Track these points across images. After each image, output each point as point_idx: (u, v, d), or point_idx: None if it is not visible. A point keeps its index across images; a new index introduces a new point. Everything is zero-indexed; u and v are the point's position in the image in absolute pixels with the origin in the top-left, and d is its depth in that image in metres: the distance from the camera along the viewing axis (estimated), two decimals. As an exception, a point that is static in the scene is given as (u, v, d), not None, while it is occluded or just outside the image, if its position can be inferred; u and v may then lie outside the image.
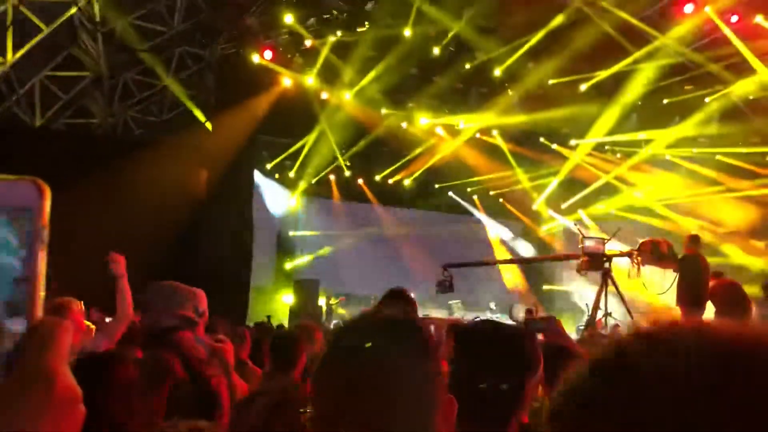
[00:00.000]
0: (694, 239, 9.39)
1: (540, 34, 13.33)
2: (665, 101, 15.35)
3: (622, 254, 10.61)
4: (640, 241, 10.35)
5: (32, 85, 12.07)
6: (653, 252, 9.77)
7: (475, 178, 19.24)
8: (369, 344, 1.18)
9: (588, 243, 10.84)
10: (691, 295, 8.92)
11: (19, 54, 10.94)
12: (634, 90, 14.75)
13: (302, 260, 19.08)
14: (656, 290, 10.22)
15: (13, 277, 0.58)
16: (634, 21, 12.70)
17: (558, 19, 12.85)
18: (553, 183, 19.11)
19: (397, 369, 1.16)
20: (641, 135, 16.67)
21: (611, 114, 15.62)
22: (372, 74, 14.58)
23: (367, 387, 1.15)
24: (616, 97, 15.11)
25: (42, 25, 10.84)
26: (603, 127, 16.20)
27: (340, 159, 17.99)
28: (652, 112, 15.74)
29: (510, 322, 13.03)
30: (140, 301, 3.49)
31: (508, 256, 20.67)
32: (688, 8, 12.36)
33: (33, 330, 0.56)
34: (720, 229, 16.06)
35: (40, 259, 0.58)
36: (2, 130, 11.85)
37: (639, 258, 10.03)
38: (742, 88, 14.07)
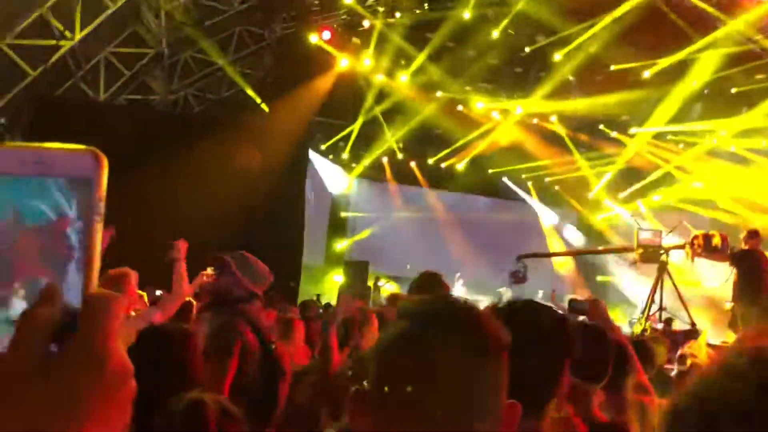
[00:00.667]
0: (754, 234, 9.08)
1: (606, 20, 12.98)
2: (733, 90, 14.80)
3: (675, 247, 10.36)
4: (694, 233, 10.11)
5: (97, 61, 12.38)
6: (706, 245, 9.52)
7: (530, 164, 18.96)
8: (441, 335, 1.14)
9: (644, 235, 10.64)
10: (748, 291, 8.67)
11: (86, 31, 11.22)
12: (699, 78, 14.26)
13: (353, 241, 19.19)
14: (710, 284, 9.97)
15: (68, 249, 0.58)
16: (702, 5, 12.24)
17: (623, 5, 12.48)
18: (611, 172, 18.68)
19: (465, 365, 1.13)
20: (705, 125, 16.12)
21: (674, 102, 15.14)
22: (428, 56, 14.46)
23: (432, 378, 1.12)
24: (681, 85, 14.64)
25: (108, 2, 11.08)
26: (665, 116, 15.73)
27: (392, 142, 17.96)
28: (718, 101, 15.19)
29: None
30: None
31: (562, 245, 20.39)
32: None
33: (86, 304, 0.56)
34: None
35: (96, 231, 0.58)
36: (68, 103, 12.22)
37: (690, 251, 9.79)
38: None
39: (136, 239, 7.54)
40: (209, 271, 3.71)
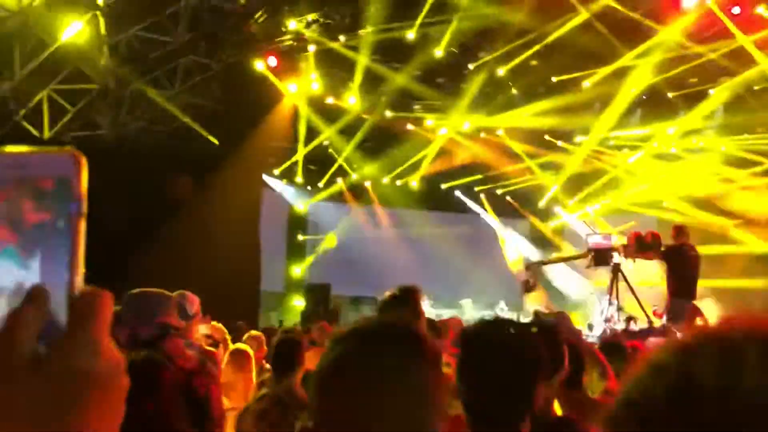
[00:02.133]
0: (680, 230, 9.37)
1: (549, 38, 13.32)
2: (669, 95, 15.34)
3: (610, 249, 10.60)
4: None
5: (40, 99, 12.20)
6: (637, 244, 9.78)
7: (479, 176, 19.23)
8: (368, 353, 1.20)
9: (593, 239, 10.88)
10: (678, 286, 8.93)
11: (26, 70, 11.07)
12: (637, 85, 14.76)
13: (312, 264, 19.14)
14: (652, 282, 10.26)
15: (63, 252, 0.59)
16: (635, 15, 12.70)
17: (559, 19, 12.87)
18: (558, 181, 19.09)
19: (396, 379, 1.18)
20: (645, 129, 16.65)
21: (615, 109, 15.63)
22: (375, 77, 14.64)
23: (364, 395, 1.17)
24: (620, 93, 15.11)
25: (47, 40, 10.97)
26: (607, 123, 16.21)
27: (344, 163, 18.07)
28: (656, 106, 15.73)
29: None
30: (115, 314, 3.36)
31: (518, 255, 20.67)
32: (690, 1, 12.35)
33: (74, 303, 0.58)
34: (732, 219, 16.03)
35: (79, 230, 0.60)
36: (12, 144, 11.96)
37: (623, 251, 10.08)
38: (746, 79, 14.06)
39: (86, 276, 7.43)
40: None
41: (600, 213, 19.19)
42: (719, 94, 14.85)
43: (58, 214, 0.59)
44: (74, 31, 11.01)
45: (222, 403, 3.27)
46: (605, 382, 3.43)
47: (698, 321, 8.72)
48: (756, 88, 14.43)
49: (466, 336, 1.98)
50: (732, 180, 16.10)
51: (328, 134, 16.58)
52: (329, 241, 17.15)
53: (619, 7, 12.49)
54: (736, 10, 12.58)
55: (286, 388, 3.78)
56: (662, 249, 9.54)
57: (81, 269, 0.59)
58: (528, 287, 12.12)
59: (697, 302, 9.38)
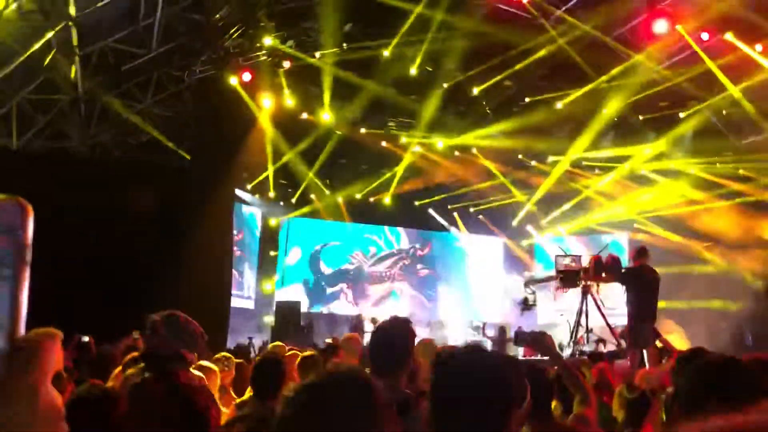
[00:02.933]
0: (640, 252, 9.38)
1: (527, 61, 13.49)
2: (641, 118, 15.60)
3: (578, 271, 10.65)
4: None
5: (9, 108, 11.98)
6: (596, 267, 9.84)
7: (451, 194, 19.32)
8: (319, 405, 1.31)
9: (562, 261, 10.94)
10: (637, 308, 8.95)
11: (-5, 78, 10.89)
12: (610, 107, 15.00)
13: (284, 281, 19.01)
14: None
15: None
16: (606, 39, 12.91)
17: (534, 40, 13.03)
18: (531, 201, 19.27)
19: (346, 427, 1.27)
20: (617, 152, 16.90)
21: (588, 131, 15.85)
22: (350, 94, 14.66)
23: None
24: (593, 115, 15.34)
25: (19, 49, 10.80)
26: (581, 144, 16.42)
27: (315, 179, 18.05)
28: (628, 129, 15.97)
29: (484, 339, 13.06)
30: (150, 322, 3.40)
31: (489, 274, 20.79)
32: (660, 27, 12.57)
33: (18, 347, 0.56)
34: (702, 240, 16.31)
35: (23, 278, 0.59)
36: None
37: (583, 275, 10.16)
38: (715, 105, 14.37)
39: (59, 288, 7.28)
40: (135, 334, 3.52)
41: (571, 232, 19.40)
42: (688, 118, 15.15)
43: (2, 262, 0.58)
44: (46, 40, 10.87)
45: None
46: (583, 408, 3.41)
47: (658, 343, 8.80)
48: (724, 112, 14.73)
49: (438, 362, 1.92)
50: (700, 202, 16.39)
51: (298, 150, 16.54)
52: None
53: (591, 32, 12.68)
54: (705, 36, 12.86)
55: (268, 409, 3.74)
56: (622, 272, 9.60)
57: (23, 315, 0.58)
58: (526, 305, 12.05)
59: (662, 322, 9.46)
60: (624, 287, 9.29)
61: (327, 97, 14.76)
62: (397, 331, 3.05)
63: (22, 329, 0.58)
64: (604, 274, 9.90)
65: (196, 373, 3.73)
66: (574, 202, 18.75)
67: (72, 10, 10.90)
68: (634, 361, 8.34)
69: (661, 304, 15.21)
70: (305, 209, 19.02)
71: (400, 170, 17.98)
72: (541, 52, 13.17)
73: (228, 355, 5.97)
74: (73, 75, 11.94)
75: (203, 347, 3.38)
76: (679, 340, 12.73)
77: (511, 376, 1.86)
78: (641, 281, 9.01)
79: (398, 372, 2.89)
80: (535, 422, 2.82)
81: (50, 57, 11.36)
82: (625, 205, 17.84)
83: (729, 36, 12.76)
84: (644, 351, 8.67)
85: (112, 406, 2.46)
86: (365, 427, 1.28)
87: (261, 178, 17.35)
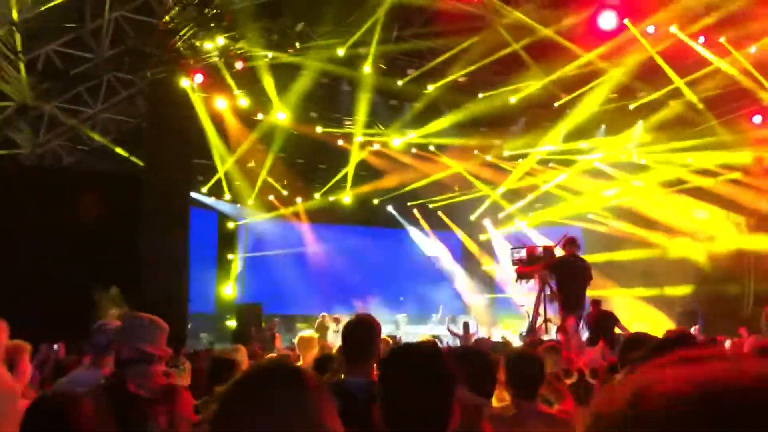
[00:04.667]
0: (570, 242, 9.56)
1: (492, 59, 13.64)
2: (591, 111, 15.88)
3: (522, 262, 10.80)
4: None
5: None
6: (528, 258, 10.04)
7: (408, 188, 19.38)
8: (259, 388, 1.35)
9: (517, 254, 11.11)
10: (564, 296, 9.14)
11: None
12: (562, 101, 15.28)
13: (244, 283, 18.86)
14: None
15: None
16: (554, 35, 13.12)
17: (481, 35, 13.18)
18: (492, 194, 19.49)
19: (287, 422, 1.30)
20: (571, 147, 17.19)
21: (544, 126, 16.12)
22: (305, 93, 14.61)
23: (262, 423, 1.30)
24: (548, 110, 15.59)
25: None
26: (535, 138, 16.67)
27: (272, 180, 17.95)
28: (581, 122, 16.22)
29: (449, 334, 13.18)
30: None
31: (452, 269, 20.99)
32: (607, 22, 12.81)
33: None
34: (655, 227, 16.73)
35: None
36: None
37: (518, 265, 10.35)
38: (663, 95, 14.75)
39: (10, 297, 7.11)
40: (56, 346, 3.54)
41: (531, 225, 19.67)
42: (638, 110, 15.51)
43: None
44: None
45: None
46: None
47: (617, 330, 9.01)
48: (671, 103, 15.10)
49: (382, 361, 2.16)
50: (653, 192, 16.82)
51: (257, 150, 16.43)
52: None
53: (539, 28, 12.89)
54: (651, 29, 13.17)
55: None
56: (548, 261, 9.77)
57: None
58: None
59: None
60: (552, 277, 9.48)
61: (279, 96, 14.69)
62: (366, 325, 3.38)
63: None
64: (536, 264, 10.08)
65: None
66: (534, 195, 19.04)
67: (15, 15, 10.63)
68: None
69: (620, 291, 15.60)
70: (266, 213, 18.90)
71: (351, 168, 17.96)
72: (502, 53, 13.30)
73: (183, 359, 5.91)
74: (18, 82, 11.65)
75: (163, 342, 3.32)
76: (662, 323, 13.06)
77: (445, 361, 2.00)
78: (569, 270, 9.20)
79: (370, 361, 3.19)
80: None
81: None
82: (582, 197, 18.19)
83: (673, 29, 13.09)
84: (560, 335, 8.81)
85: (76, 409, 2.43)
86: (301, 413, 1.32)
87: (214, 180, 17.15)
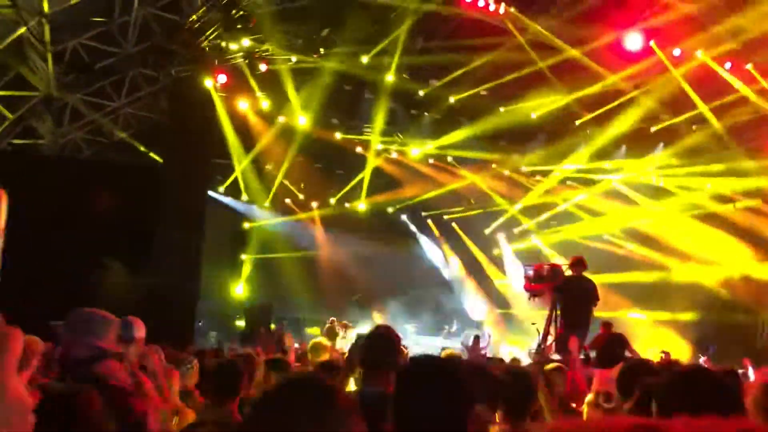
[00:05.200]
0: (577, 262, 9.43)
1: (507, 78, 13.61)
2: (613, 131, 15.78)
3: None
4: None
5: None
6: (535, 276, 9.91)
7: (423, 197, 19.32)
8: (286, 406, 1.35)
9: (530, 271, 11.01)
10: (568, 317, 9.01)
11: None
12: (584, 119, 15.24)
13: (256, 283, 18.87)
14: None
15: None
16: (579, 55, 13.09)
17: (505, 49, 13.18)
18: (510, 209, 19.39)
19: (313, 427, 1.31)
20: (594, 166, 17.10)
21: (564, 143, 16.06)
22: (327, 99, 14.64)
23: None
24: (569, 127, 15.54)
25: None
26: (555, 155, 16.61)
27: (288, 183, 18.00)
28: (602, 142, 16.09)
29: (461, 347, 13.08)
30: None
31: (459, 282, 20.92)
32: (633, 43, 12.77)
33: None
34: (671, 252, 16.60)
35: None
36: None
37: (525, 282, 10.24)
38: (685, 120, 14.66)
39: (23, 287, 7.16)
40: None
41: (547, 242, 19.55)
42: (660, 132, 15.42)
43: None
44: (17, 35, 10.71)
45: (158, 426, 3.15)
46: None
47: (627, 353, 8.89)
48: (694, 128, 14.98)
49: (399, 371, 2.14)
50: (669, 216, 16.69)
51: (275, 152, 16.48)
52: None
53: (564, 47, 12.88)
54: (677, 52, 13.10)
55: (227, 413, 3.71)
56: (554, 282, 9.64)
57: None
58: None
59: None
60: (559, 296, 9.38)
61: (301, 100, 14.73)
62: (385, 337, 3.43)
63: None
64: (541, 283, 9.97)
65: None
66: (551, 213, 18.94)
67: (45, 6, 10.74)
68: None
69: (632, 311, 15.41)
70: (280, 216, 18.94)
71: (367, 175, 17.95)
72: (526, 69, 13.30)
73: (191, 357, 5.88)
74: (44, 72, 11.77)
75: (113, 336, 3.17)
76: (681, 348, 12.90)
77: (466, 378, 1.98)
78: (575, 291, 9.11)
79: (388, 372, 3.18)
80: (512, 422, 2.89)
81: (22, 54, 11.18)
82: (599, 218, 18.09)
83: (699, 53, 13.02)
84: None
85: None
86: (331, 427, 1.32)
87: (231, 179, 17.21)
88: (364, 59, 13.74)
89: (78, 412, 2.34)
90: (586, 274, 9.52)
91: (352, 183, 18.39)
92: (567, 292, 9.18)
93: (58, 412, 2.17)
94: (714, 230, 15.99)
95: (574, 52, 12.92)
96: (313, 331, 15.76)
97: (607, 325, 9.92)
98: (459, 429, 1.89)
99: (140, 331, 3.90)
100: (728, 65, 13.14)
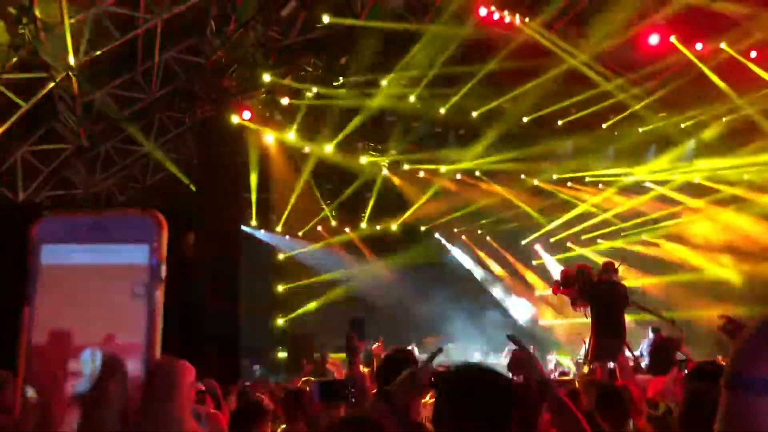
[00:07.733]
0: (608, 267, 9.05)
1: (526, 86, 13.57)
2: (640, 130, 15.59)
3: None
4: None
5: (14, 161, 12.09)
6: (563, 281, 9.57)
7: (456, 214, 19.23)
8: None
9: (558, 275, 10.79)
10: (601, 324, 8.67)
11: (-1, 131, 10.98)
12: (609, 122, 15.07)
13: (295, 314, 18.91)
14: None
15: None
16: (594, 64, 13.04)
17: (529, 61, 13.12)
18: (540, 221, 19.23)
19: None
20: (623, 170, 16.89)
21: (588, 147, 15.89)
22: (351, 125, 14.75)
23: None
24: (593, 131, 15.38)
25: (20, 102, 10.90)
26: (582, 161, 16.44)
27: (326, 210, 18.08)
28: (628, 143, 15.90)
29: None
30: None
31: (500, 295, 20.69)
32: (653, 39, 12.66)
33: (155, 372, 0.53)
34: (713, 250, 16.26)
35: (158, 296, 0.56)
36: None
37: (553, 288, 9.95)
38: (713, 113, 14.41)
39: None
40: None
41: (586, 250, 19.30)
42: (689, 128, 15.18)
43: (138, 278, 0.55)
44: (47, 91, 10.99)
45: None
46: None
47: (679, 355, 8.64)
48: (724, 119, 14.72)
49: (442, 382, 2.05)
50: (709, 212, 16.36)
51: (305, 183, 16.60)
52: None
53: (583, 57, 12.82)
54: (699, 46, 12.93)
55: None
56: (586, 287, 9.29)
57: (159, 335, 0.55)
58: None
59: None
60: (590, 302, 9.08)
61: (325, 128, 14.86)
62: (402, 359, 3.45)
63: (157, 352, 0.55)
64: (570, 288, 9.66)
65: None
66: (590, 223, 18.71)
67: (72, 60, 11.03)
68: (604, 375, 8.06)
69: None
70: (315, 244, 19.01)
71: (406, 197, 17.95)
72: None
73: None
74: (75, 124, 12.05)
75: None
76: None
77: (510, 393, 1.92)
78: (606, 297, 8.79)
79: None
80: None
81: (52, 108, 11.47)
82: (634, 220, 17.83)
83: (723, 45, 12.83)
84: (611, 364, 8.37)
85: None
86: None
87: (266, 213, 17.36)
88: (384, 83, 13.81)
89: None
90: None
91: (378, 204, 18.38)
92: (596, 299, 8.90)
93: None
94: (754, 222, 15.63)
95: (583, 56, 12.87)
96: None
97: (657, 330, 9.69)
98: None
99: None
100: (753, 54, 12.94)
